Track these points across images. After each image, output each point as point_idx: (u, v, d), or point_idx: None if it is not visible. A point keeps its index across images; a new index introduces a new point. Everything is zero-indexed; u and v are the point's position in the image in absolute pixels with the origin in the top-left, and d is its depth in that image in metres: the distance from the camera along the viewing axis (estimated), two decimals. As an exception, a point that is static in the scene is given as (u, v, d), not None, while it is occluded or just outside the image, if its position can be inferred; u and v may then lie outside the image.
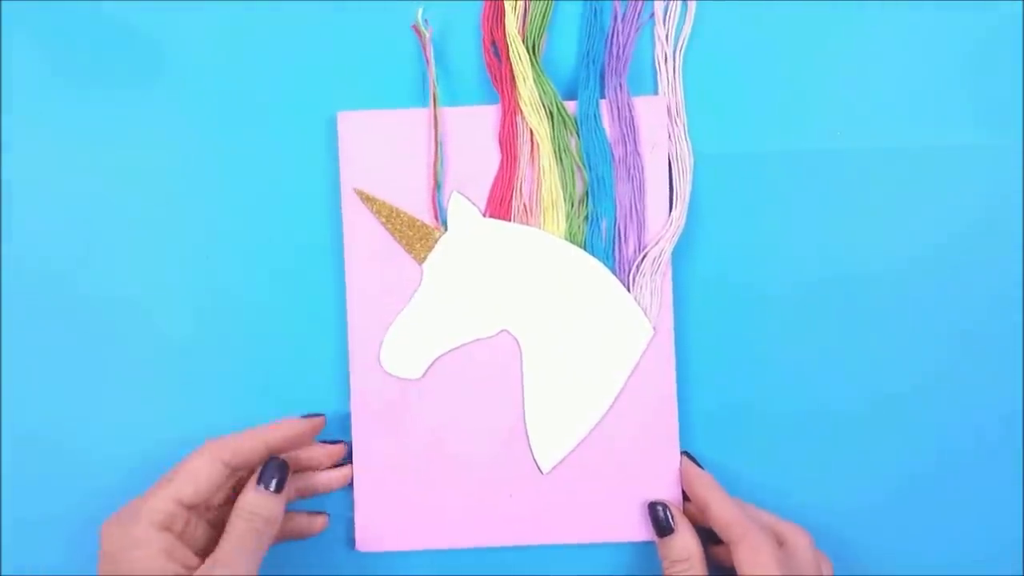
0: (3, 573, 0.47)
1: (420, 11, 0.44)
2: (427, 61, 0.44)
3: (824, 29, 0.46)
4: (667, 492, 0.45)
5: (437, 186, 0.45)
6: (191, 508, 0.40)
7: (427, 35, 0.44)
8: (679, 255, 0.46)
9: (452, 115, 0.45)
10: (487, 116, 0.45)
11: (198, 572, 0.38)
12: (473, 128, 0.45)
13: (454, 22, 0.46)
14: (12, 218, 0.47)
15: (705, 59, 0.46)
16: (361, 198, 0.45)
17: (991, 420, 0.47)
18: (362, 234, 0.45)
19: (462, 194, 0.45)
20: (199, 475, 0.40)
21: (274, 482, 0.41)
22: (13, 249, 0.47)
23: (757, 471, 0.47)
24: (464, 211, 0.45)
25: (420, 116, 0.45)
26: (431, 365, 0.46)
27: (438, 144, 0.45)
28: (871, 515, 0.47)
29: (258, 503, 0.40)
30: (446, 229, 0.45)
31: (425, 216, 0.45)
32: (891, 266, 0.46)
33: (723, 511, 0.42)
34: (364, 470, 0.46)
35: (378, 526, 0.46)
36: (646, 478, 0.46)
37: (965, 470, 0.47)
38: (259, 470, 0.41)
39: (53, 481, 0.47)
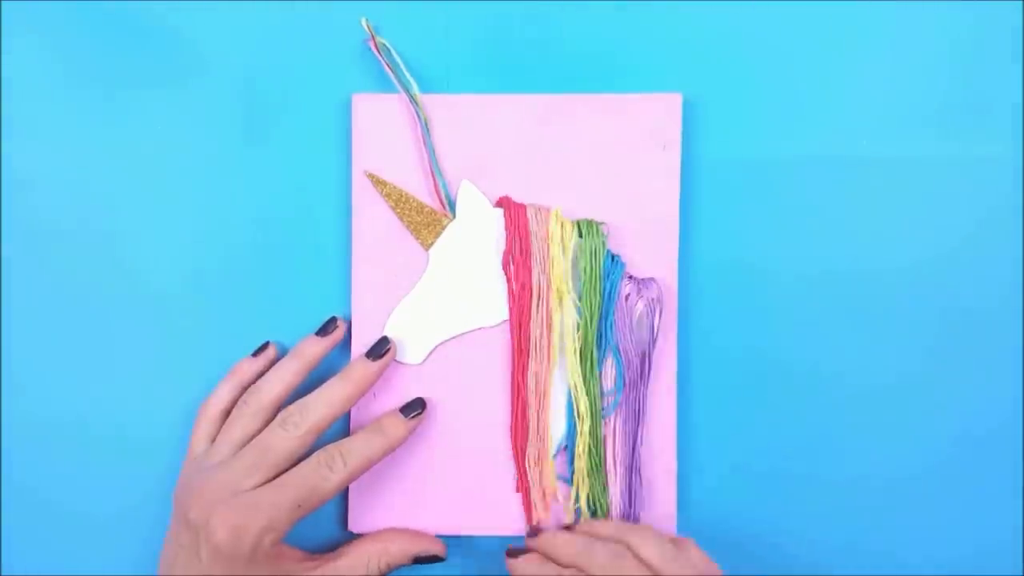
0: (3, 573, 0.48)
1: (364, 20, 0.45)
2: (383, 63, 0.45)
3: (827, 34, 0.46)
4: (661, 491, 0.46)
5: (436, 174, 0.45)
6: None
7: (376, 39, 0.45)
8: (683, 256, 0.46)
9: (459, 102, 0.45)
10: (495, 104, 0.45)
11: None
12: (482, 115, 0.45)
13: (462, 7, 0.46)
14: (14, 210, 0.47)
15: (710, 63, 0.46)
16: (372, 181, 0.45)
17: (991, 422, 0.47)
18: (370, 218, 0.46)
19: (472, 183, 0.45)
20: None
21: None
22: (22, 238, 0.47)
23: (756, 472, 0.47)
24: (473, 199, 0.45)
25: (436, 101, 0.45)
26: (432, 352, 0.46)
27: (425, 132, 0.45)
28: (871, 514, 0.47)
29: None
30: (454, 216, 0.45)
31: (434, 202, 0.45)
32: (896, 271, 0.47)
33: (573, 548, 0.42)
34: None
35: (372, 507, 0.46)
36: (641, 476, 0.46)
37: (965, 470, 0.47)
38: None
39: (54, 482, 0.48)
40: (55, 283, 0.47)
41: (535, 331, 0.44)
